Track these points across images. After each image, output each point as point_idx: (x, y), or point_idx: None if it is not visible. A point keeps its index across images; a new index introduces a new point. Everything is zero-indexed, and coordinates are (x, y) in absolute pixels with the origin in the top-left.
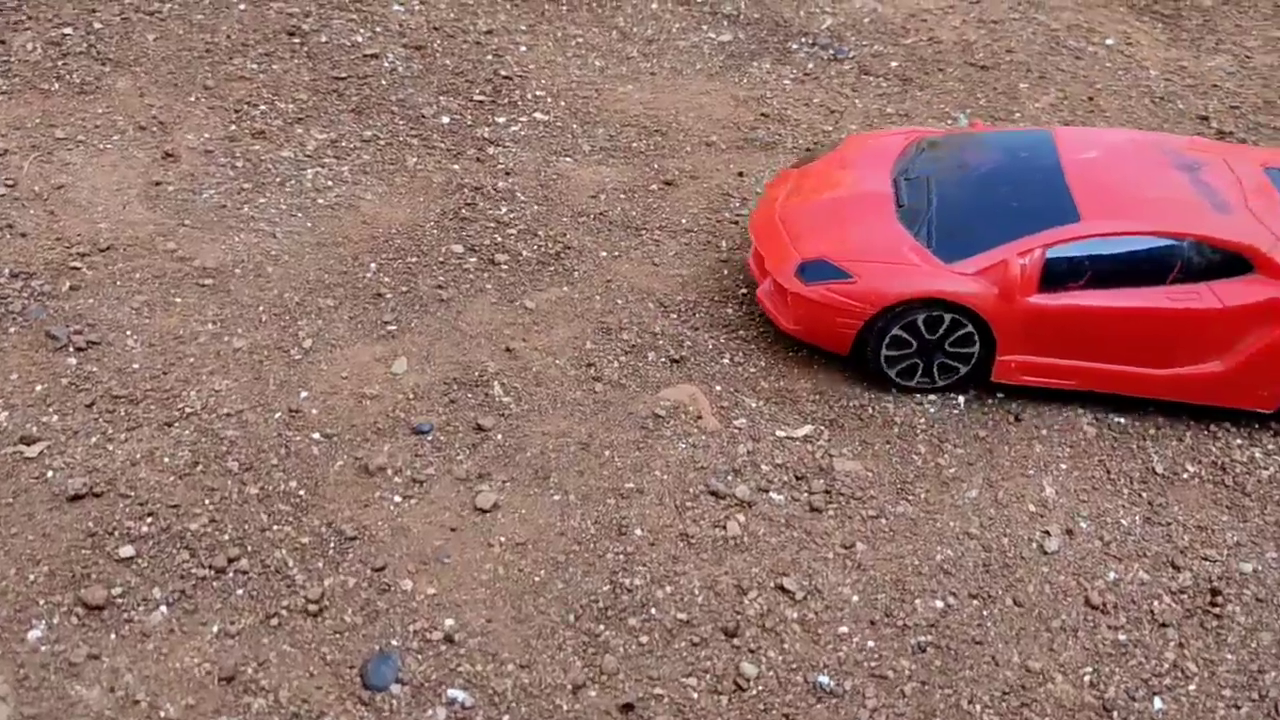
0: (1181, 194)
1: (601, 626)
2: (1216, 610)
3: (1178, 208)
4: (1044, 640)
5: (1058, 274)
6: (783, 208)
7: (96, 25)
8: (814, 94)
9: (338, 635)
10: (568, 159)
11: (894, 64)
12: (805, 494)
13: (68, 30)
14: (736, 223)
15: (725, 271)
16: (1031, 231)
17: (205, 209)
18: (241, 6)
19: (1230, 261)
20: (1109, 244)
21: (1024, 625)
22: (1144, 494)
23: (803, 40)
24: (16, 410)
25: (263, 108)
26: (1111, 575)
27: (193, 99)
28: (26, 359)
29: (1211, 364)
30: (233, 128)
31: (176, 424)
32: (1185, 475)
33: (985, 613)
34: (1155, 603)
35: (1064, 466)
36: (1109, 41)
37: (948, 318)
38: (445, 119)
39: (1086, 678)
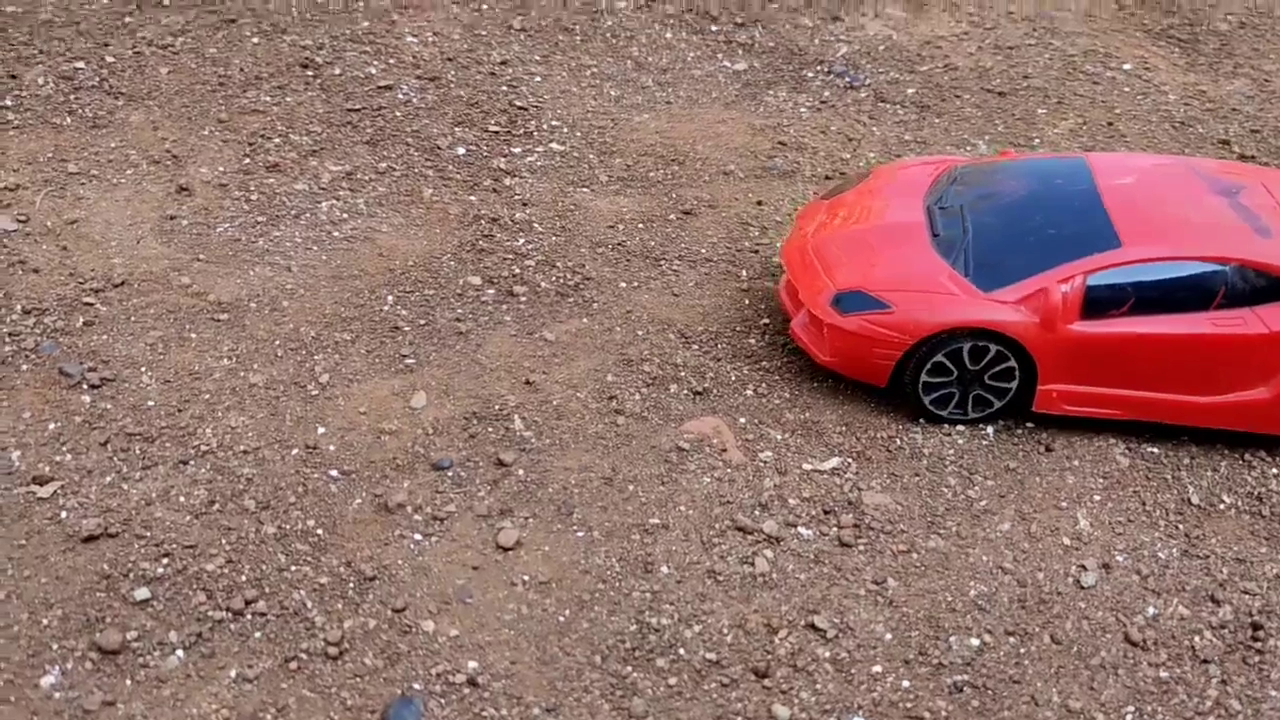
0: (1223, 218)
1: (629, 668)
2: (1259, 645)
3: (1220, 232)
4: (1084, 679)
5: (1100, 301)
6: (815, 239)
7: (108, 59)
8: (831, 122)
9: (358, 679)
10: (585, 189)
11: (910, 91)
12: (834, 528)
13: (79, 64)
14: (757, 251)
15: (746, 301)
16: (1072, 258)
17: (219, 243)
18: (254, 40)
19: (1275, 286)
20: (1151, 270)
21: (1063, 663)
22: (1180, 526)
23: (818, 68)
24: (29, 449)
25: (276, 140)
26: (1151, 610)
27: (206, 132)
28: (39, 397)
29: (1257, 391)
30: (246, 161)
31: (192, 462)
32: (1221, 506)
33: (1022, 650)
34: (1196, 638)
35: (1098, 498)
36: (1126, 66)
37: (993, 348)
38: (460, 150)
39: (1129, 717)
